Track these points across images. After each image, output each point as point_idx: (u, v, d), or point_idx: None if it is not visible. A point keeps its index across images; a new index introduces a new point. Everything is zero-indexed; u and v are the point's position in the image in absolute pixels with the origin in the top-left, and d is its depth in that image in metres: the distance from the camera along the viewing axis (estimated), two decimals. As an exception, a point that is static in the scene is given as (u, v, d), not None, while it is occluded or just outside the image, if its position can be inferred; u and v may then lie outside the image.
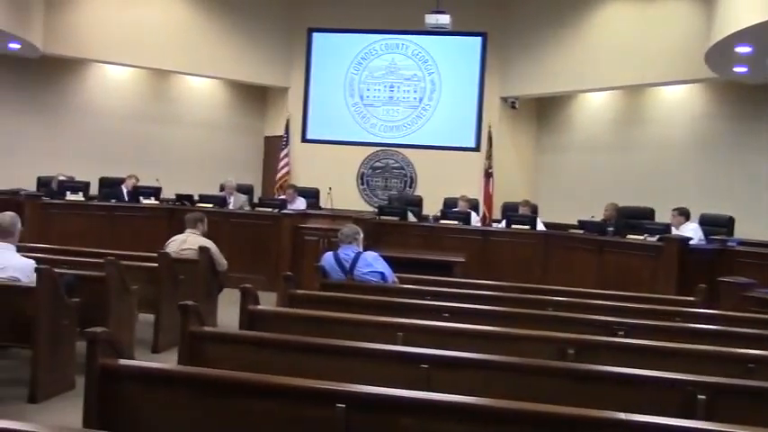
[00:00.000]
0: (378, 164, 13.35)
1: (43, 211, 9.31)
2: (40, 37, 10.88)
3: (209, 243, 6.99)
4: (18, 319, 4.84)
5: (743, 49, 8.18)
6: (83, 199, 9.89)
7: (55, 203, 9.61)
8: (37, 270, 4.86)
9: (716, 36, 8.30)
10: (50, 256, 6.29)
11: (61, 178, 10.34)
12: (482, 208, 12.05)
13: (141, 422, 2.83)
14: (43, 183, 10.70)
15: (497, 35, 12.88)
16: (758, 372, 3.55)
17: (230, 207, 10.50)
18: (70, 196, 9.79)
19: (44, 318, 4.80)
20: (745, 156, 10.05)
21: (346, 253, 5.85)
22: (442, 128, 13.13)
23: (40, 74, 11.96)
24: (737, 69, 9.09)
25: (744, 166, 10.03)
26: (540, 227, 9.98)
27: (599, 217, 9.62)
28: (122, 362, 2.90)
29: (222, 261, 7.03)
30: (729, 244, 8.26)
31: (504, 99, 12.92)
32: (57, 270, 5.07)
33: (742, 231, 9.06)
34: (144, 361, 3.69)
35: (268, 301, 5.85)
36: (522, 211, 10.41)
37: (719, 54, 8.63)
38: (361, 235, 6.03)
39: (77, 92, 12.60)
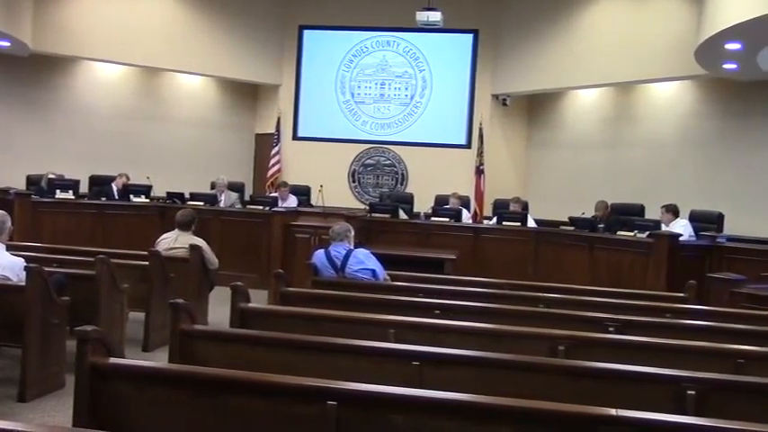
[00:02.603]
0: (369, 161, 13.35)
1: (33, 210, 9.26)
2: (30, 35, 10.82)
3: (199, 241, 6.97)
4: (8, 318, 4.81)
5: (732, 46, 8.21)
6: (73, 197, 9.84)
7: (45, 202, 9.56)
8: (27, 269, 4.83)
9: (705, 33, 8.32)
10: (40, 255, 6.27)
11: (51, 176, 10.27)
12: (473, 205, 12.06)
13: (132, 421, 2.82)
14: (33, 181, 10.64)
15: (488, 32, 12.89)
16: (748, 367, 3.57)
17: (221, 205, 10.48)
18: (60, 194, 9.74)
19: (34, 316, 4.78)
20: (734, 152, 10.10)
21: (337, 250, 5.84)
22: (434, 125, 13.14)
23: (30, 72, 11.90)
24: (727, 66, 9.12)
25: (733, 163, 10.07)
26: (531, 224, 10.01)
27: (590, 214, 9.66)
28: (113, 360, 2.88)
29: (213, 259, 7.01)
30: (719, 240, 8.31)
31: (496, 96, 12.93)
32: (46, 269, 5.05)
33: (731, 227, 9.11)
34: (134, 359, 3.69)
35: (259, 299, 5.86)
36: (513, 207, 10.44)
37: (709, 51, 8.66)
38: (353, 232, 6.03)
39: (67, 90, 12.54)
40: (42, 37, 11.17)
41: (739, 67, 9.09)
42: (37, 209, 9.34)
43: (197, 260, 6.84)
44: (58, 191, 9.77)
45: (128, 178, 10.68)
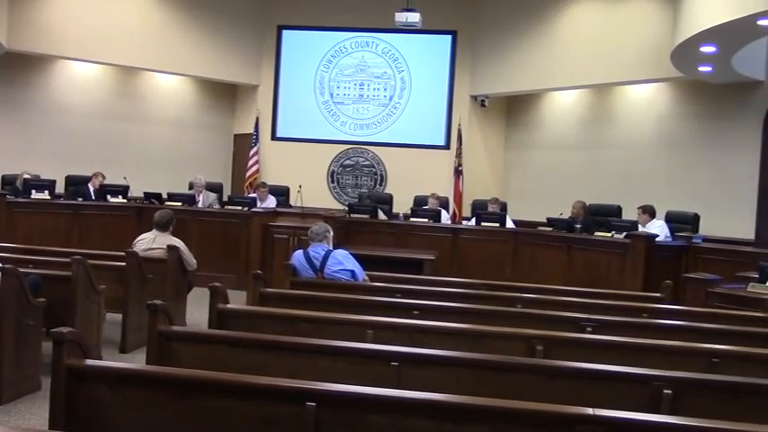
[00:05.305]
0: (348, 162, 13.34)
1: (8, 210, 9.16)
2: (5, 33, 10.68)
3: (177, 242, 6.93)
4: (-18, 320, 4.76)
5: (707, 49, 8.30)
6: (48, 197, 9.75)
7: (20, 202, 9.46)
8: (1, 270, 4.78)
9: (681, 36, 8.42)
10: (15, 256, 6.21)
11: (26, 176, 10.17)
12: (452, 206, 12.10)
13: (108, 423, 2.80)
14: (8, 181, 10.52)
15: (467, 33, 12.93)
16: (722, 366, 3.62)
17: (199, 205, 10.43)
18: (35, 195, 9.64)
19: (9, 318, 4.73)
20: (709, 154, 10.21)
21: (316, 251, 5.84)
22: (412, 126, 13.15)
23: (5, 70, 11.75)
24: (702, 69, 9.22)
25: (708, 164, 10.18)
26: (510, 224, 10.06)
27: (567, 214, 9.72)
28: (89, 362, 2.86)
29: (191, 260, 6.97)
30: (694, 241, 8.42)
31: (474, 97, 12.97)
32: (22, 269, 4.99)
33: (707, 228, 9.22)
34: (111, 361, 3.66)
35: (238, 300, 5.84)
36: (492, 208, 10.48)
37: (684, 53, 8.76)
38: (332, 233, 6.03)
39: (43, 89, 12.40)
40: (18, 35, 11.04)
41: (714, 70, 9.19)
42: (12, 209, 9.24)
43: (175, 261, 6.81)
44: (33, 191, 9.67)
45: (103, 177, 10.60)
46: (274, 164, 13.23)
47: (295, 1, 13.34)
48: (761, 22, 7.19)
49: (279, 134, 13.53)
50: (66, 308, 5.36)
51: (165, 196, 10.33)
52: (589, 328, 4.45)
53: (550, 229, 9.41)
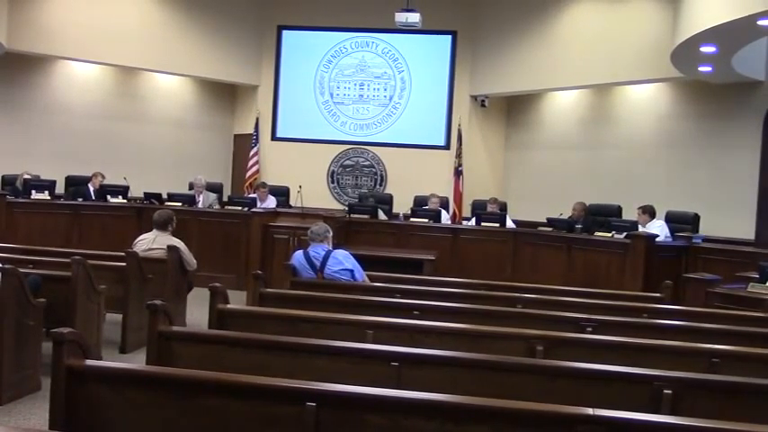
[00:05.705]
0: (348, 162, 13.34)
1: (8, 210, 9.16)
2: (5, 33, 10.68)
3: (177, 242, 6.93)
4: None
5: (707, 49, 8.30)
6: (48, 198, 9.75)
7: (20, 202, 9.46)
8: (1, 270, 4.78)
9: (681, 36, 8.42)
10: (15, 256, 6.22)
11: (26, 177, 10.17)
12: (452, 206, 12.10)
13: (108, 423, 2.80)
14: (8, 181, 10.52)
15: (467, 33, 12.93)
16: (722, 366, 3.61)
17: (199, 206, 10.42)
18: (36, 195, 9.65)
19: (9, 318, 4.73)
20: (709, 154, 10.21)
21: (316, 251, 5.84)
22: (412, 126, 13.15)
23: (5, 70, 11.74)
24: (702, 69, 9.22)
25: (708, 164, 10.19)
26: (510, 224, 10.06)
27: (567, 214, 9.72)
28: (89, 362, 2.86)
29: (191, 260, 6.97)
30: (695, 241, 8.42)
31: (474, 97, 12.97)
32: (22, 270, 4.99)
33: (707, 228, 9.22)
34: (111, 361, 3.66)
35: (238, 300, 5.85)
36: (491, 208, 10.48)
37: (685, 53, 8.76)
38: (331, 233, 6.03)
39: (43, 89, 12.39)
40: (18, 36, 11.03)
41: (714, 70, 9.19)
42: (12, 209, 9.25)
43: (175, 261, 6.80)
44: (33, 191, 9.68)
45: (103, 177, 10.60)
46: (274, 164, 13.23)
47: (295, 1, 13.34)
48: (761, 22, 7.19)
49: (279, 134, 13.53)
50: (67, 308, 5.36)
51: (165, 196, 10.34)
52: (589, 329, 4.45)
53: (550, 229, 9.41)
